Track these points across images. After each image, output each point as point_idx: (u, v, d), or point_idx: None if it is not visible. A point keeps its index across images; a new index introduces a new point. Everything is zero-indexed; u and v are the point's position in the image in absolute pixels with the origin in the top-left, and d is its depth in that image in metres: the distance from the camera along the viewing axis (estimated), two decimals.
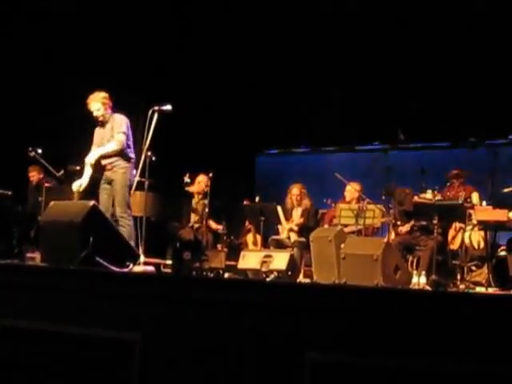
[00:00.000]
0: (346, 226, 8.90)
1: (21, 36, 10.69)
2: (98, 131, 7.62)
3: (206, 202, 9.89)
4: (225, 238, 10.27)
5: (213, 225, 10.21)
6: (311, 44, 10.93)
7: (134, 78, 11.18)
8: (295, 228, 9.66)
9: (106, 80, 10.43)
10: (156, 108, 7.60)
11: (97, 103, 7.47)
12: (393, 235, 8.79)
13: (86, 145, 7.72)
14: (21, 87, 10.72)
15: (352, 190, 9.40)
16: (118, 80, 10.07)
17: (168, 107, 7.66)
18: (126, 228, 7.24)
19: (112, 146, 7.40)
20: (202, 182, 10.10)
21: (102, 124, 7.52)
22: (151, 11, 11.08)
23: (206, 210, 9.89)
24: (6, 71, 10.52)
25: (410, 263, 8.38)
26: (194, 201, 10.18)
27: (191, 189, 10.18)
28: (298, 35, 10.92)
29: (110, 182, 7.46)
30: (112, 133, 7.46)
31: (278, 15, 10.86)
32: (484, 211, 7.78)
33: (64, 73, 10.81)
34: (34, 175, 10.23)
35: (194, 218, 10.21)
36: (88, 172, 7.45)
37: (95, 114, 7.47)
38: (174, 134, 11.10)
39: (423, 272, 7.86)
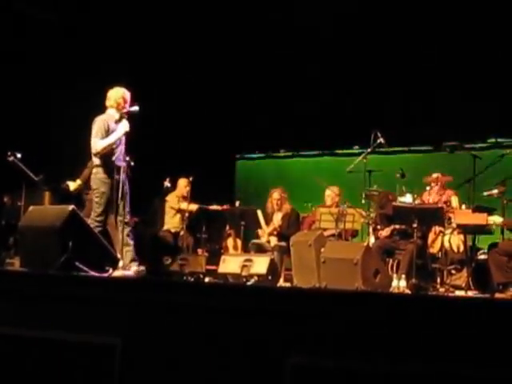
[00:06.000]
0: (325, 229, 8.91)
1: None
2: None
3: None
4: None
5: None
6: (293, 48, 10.96)
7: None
8: (275, 232, 9.66)
9: (81, 83, 10.44)
10: (124, 111, 7.28)
11: None
12: (372, 239, 8.81)
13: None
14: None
15: (332, 194, 9.44)
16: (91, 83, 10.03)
17: (135, 108, 7.33)
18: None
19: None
20: (182, 186, 10.10)
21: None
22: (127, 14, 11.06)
23: (187, 214, 9.86)
24: None
25: (389, 267, 8.39)
26: (172, 204, 10.17)
27: (171, 194, 10.17)
28: (279, 40, 10.94)
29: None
30: None
31: (260, 20, 10.88)
32: (463, 215, 7.80)
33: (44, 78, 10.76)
34: None
35: (172, 222, 10.19)
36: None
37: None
38: (153, 138, 11.07)
39: (403, 276, 7.87)
